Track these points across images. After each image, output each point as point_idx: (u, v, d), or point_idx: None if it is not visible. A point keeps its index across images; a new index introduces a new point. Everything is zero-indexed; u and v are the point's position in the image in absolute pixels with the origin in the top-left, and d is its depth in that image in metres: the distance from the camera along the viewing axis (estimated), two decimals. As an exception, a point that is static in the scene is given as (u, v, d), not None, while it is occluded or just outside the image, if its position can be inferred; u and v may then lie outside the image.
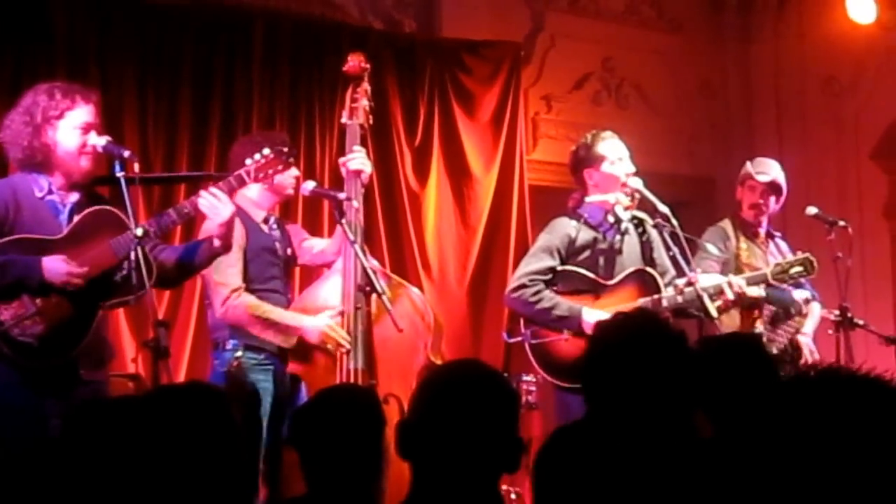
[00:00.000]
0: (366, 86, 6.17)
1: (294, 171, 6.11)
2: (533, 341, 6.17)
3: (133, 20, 7.53)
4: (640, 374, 3.18)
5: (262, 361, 5.84)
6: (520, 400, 3.28)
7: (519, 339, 6.28)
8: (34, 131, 5.15)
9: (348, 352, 5.74)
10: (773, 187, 7.13)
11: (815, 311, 7.12)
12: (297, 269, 6.71)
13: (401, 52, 8.52)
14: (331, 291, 5.96)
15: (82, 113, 5.23)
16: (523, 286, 6.17)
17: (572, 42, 9.51)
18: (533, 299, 6.14)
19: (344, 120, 6.15)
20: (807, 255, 6.61)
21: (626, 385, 3.18)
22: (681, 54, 10.08)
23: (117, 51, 7.44)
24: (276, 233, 6.10)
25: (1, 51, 7.07)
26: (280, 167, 5.43)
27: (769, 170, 7.17)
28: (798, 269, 6.52)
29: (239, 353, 5.76)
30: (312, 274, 6.67)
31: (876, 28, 9.30)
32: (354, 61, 6.21)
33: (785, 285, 6.67)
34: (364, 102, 6.13)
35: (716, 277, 6.34)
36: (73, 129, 5.20)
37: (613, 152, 6.30)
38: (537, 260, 6.25)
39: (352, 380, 5.71)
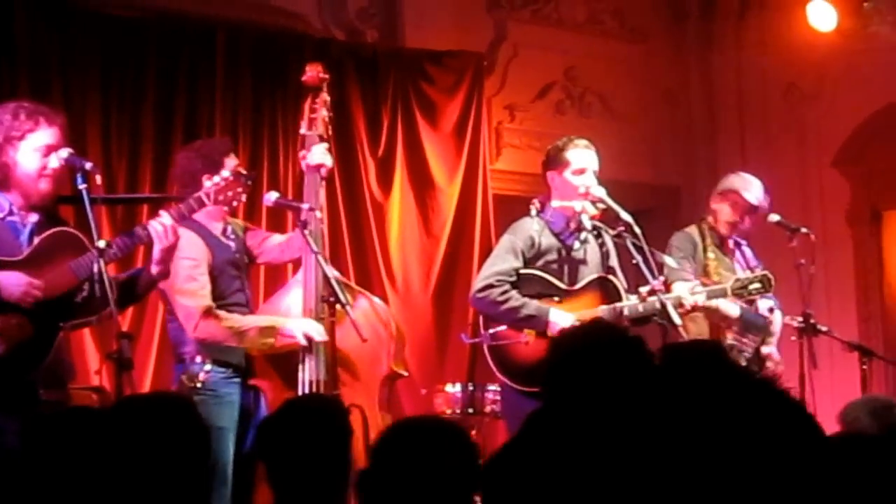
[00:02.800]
0: (325, 96, 6.16)
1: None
2: (492, 343, 6.16)
3: (95, 33, 7.49)
4: (600, 379, 3.21)
5: (230, 375, 5.83)
6: (479, 452, 3.33)
7: (478, 340, 6.26)
8: None
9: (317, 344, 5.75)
10: (757, 209, 7.13)
11: (777, 320, 7.15)
12: (262, 276, 6.68)
13: (363, 62, 8.51)
14: (293, 302, 5.95)
15: (44, 135, 5.20)
16: (490, 286, 6.16)
17: (535, 51, 9.52)
18: (501, 299, 6.12)
19: (303, 131, 6.13)
20: (765, 272, 6.67)
21: (586, 390, 3.20)
22: (643, 63, 10.11)
23: (79, 63, 7.41)
24: (233, 242, 6.07)
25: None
26: (240, 190, 5.42)
27: (760, 193, 7.13)
28: (756, 285, 6.57)
29: (207, 368, 5.74)
30: (278, 279, 6.64)
31: (836, 36, 9.36)
32: (313, 72, 6.19)
33: (750, 296, 6.71)
34: (323, 113, 6.12)
35: (685, 286, 6.37)
36: (34, 150, 5.17)
37: (578, 161, 6.29)
38: (503, 261, 6.24)
39: (314, 391, 5.71)
